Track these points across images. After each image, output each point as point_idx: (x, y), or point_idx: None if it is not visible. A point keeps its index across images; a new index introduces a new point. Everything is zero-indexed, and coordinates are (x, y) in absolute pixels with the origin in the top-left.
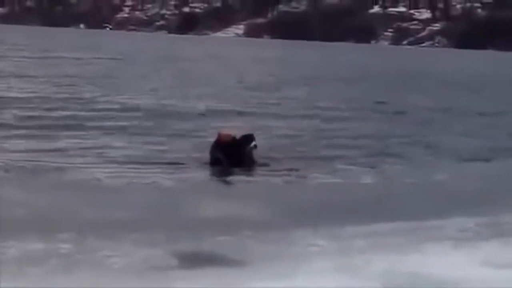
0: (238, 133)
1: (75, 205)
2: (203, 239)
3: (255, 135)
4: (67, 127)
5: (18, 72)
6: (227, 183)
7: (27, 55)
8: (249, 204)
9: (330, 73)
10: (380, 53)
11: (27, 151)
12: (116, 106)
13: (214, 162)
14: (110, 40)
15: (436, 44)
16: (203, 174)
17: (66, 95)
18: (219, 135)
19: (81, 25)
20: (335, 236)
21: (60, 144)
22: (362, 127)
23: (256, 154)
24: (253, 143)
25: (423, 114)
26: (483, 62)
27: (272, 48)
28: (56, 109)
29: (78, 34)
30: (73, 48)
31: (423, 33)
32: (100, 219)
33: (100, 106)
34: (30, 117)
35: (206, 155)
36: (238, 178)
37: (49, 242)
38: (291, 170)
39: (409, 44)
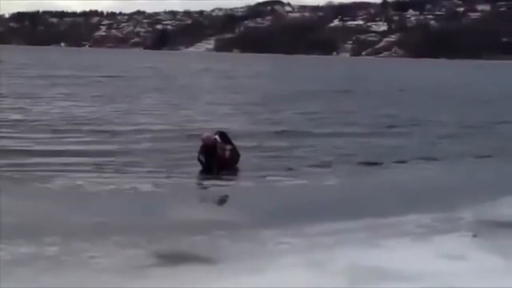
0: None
1: (60, 210)
2: (180, 239)
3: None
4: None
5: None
6: (202, 187)
7: (32, 74)
8: (222, 206)
9: (326, 85)
10: (352, 64)
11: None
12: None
13: (200, 165)
14: (102, 57)
15: (393, 54)
16: (182, 179)
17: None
18: (202, 140)
19: (62, 44)
20: (302, 234)
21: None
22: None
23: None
24: (215, 135)
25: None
26: (454, 70)
27: (252, 62)
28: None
29: (63, 52)
30: (74, 67)
31: (381, 44)
32: (84, 223)
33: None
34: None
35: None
36: (213, 182)
37: (37, 245)
38: (262, 173)
39: (368, 54)
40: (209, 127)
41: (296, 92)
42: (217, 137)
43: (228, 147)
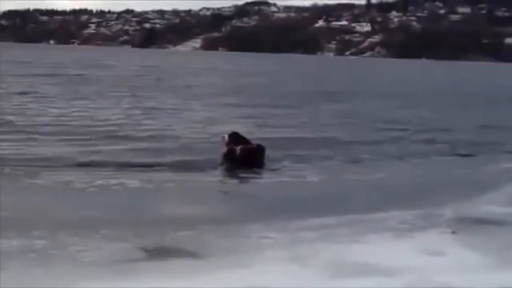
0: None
1: (49, 205)
2: (166, 234)
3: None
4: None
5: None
6: (189, 183)
7: (34, 73)
8: (208, 202)
9: (334, 87)
10: (342, 64)
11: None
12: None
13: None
14: (95, 55)
15: (376, 55)
16: (169, 176)
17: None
18: (226, 146)
19: (51, 41)
20: (286, 229)
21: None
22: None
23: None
24: (225, 136)
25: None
26: (442, 71)
27: (244, 61)
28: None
29: (56, 50)
30: (74, 65)
31: (364, 45)
32: (72, 218)
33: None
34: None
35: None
36: (200, 179)
37: (26, 238)
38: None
39: (352, 54)
40: (207, 130)
41: (302, 93)
42: (225, 136)
43: (239, 147)
